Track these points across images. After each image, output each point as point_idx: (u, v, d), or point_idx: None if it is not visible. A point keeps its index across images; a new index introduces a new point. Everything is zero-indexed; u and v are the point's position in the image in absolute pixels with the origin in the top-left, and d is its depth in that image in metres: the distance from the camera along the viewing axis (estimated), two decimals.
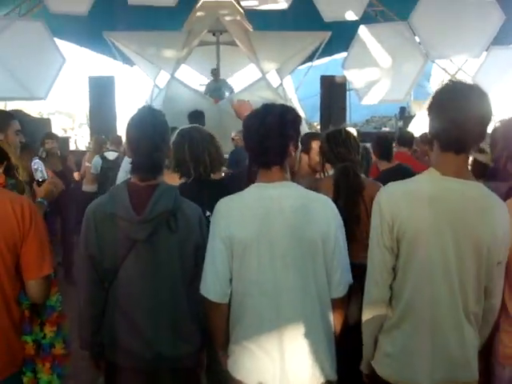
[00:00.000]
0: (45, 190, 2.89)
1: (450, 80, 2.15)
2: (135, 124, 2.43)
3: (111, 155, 8.19)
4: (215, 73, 13.36)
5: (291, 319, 2.14)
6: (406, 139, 6.35)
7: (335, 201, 2.33)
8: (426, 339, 2.03)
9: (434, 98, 2.05)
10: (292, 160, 2.26)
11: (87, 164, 8.61)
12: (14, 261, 2.18)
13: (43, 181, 2.90)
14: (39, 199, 2.86)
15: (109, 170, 7.73)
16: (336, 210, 2.22)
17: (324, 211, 2.18)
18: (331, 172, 3.59)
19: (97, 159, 8.29)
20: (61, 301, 2.49)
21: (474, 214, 1.96)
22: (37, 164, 2.91)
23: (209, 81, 14.26)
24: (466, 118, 1.92)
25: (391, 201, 2.06)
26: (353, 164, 3.40)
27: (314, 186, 3.42)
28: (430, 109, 2.05)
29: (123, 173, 6.53)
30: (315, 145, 4.02)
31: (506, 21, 12.19)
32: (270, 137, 2.14)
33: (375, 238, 2.09)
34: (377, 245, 2.08)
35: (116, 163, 7.56)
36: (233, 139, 8.27)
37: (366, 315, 2.16)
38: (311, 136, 4.19)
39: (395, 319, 2.09)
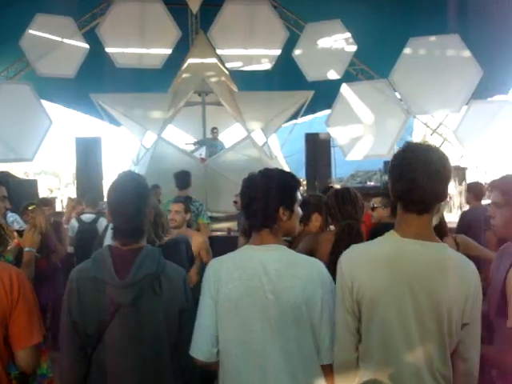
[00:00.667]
0: (28, 239, 2.89)
1: (406, 142, 2.10)
2: (115, 189, 2.42)
3: (87, 218, 8.03)
4: (215, 132, 13.56)
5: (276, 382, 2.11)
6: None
7: (332, 254, 2.32)
8: None
9: (393, 160, 2.05)
10: (287, 224, 2.25)
11: (65, 226, 8.49)
12: (2, 331, 2.16)
13: (22, 230, 2.91)
14: (27, 249, 2.85)
15: (84, 232, 7.55)
16: (326, 274, 2.20)
17: (311, 275, 2.16)
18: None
19: (73, 222, 8.16)
20: (51, 367, 2.45)
21: (433, 275, 1.93)
22: (12, 216, 2.94)
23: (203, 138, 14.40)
24: (427, 179, 1.92)
25: (351, 263, 2.05)
26: (357, 223, 3.43)
27: (315, 240, 3.47)
28: (391, 172, 2.04)
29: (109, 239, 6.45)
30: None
31: (484, 76, 12.50)
32: (257, 200, 2.18)
33: (338, 301, 2.08)
34: (339, 307, 2.07)
35: (92, 226, 7.44)
36: (235, 202, 8.17)
37: (337, 378, 2.13)
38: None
39: (365, 380, 2.05)
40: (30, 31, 13.05)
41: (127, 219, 2.34)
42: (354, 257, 2.08)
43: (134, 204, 2.34)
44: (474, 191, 7.02)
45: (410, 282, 1.93)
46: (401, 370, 1.96)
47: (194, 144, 14.68)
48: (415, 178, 1.93)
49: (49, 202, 7.46)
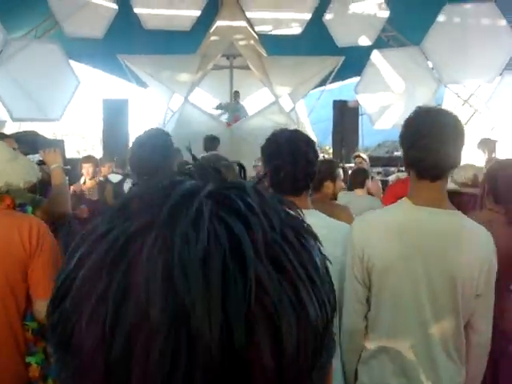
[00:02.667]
0: (51, 156, 2.96)
1: (418, 107, 2.08)
2: (136, 144, 2.41)
3: (115, 178, 8.07)
4: (237, 95, 13.49)
5: None
6: None
7: None
8: (400, 372, 1.97)
9: (404, 127, 2.02)
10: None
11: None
12: (22, 282, 2.18)
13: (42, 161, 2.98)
14: (53, 166, 2.92)
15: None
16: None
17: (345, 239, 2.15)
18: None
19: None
20: None
21: (446, 244, 1.90)
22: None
23: (226, 101, 14.33)
24: (439, 144, 1.89)
25: (362, 231, 2.03)
26: None
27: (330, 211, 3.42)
28: (403, 139, 2.02)
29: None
30: (340, 173, 4.18)
31: None
32: (301, 163, 2.11)
33: (348, 269, 2.05)
34: (348, 276, 2.04)
35: (119, 186, 7.50)
36: (254, 167, 8.01)
37: (344, 345, 2.11)
38: (337, 164, 4.45)
39: (372, 349, 2.04)
40: None
41: (152, 172, 2.31)
42: (365, 225, 2.07)
43: (152, 160, 2.32)
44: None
45: (422, 251, 1.90)
46: (411, 339, 1.94)
47: (217, 108, 14.59)
48: (427, 143, 1.89)
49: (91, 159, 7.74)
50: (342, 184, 4.03)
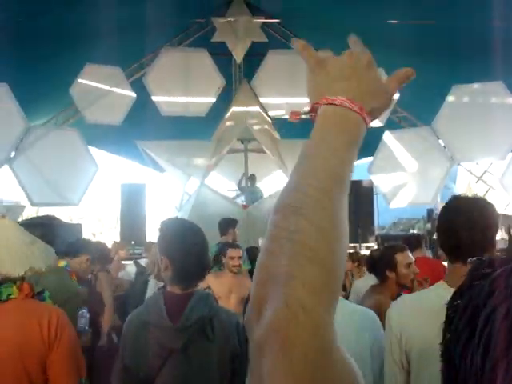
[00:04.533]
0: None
1: (453, 196, 2.20)
2: (175, 235, 2.46)
3: (143, 262, 8.27)
4: (253, 178, 13.70)
5: None
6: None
7: None
8: None
9: (440, 215, 2.14)
10: None
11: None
12: (41, 374, 2.18)
13: (80, 332, 2.97)
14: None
15: (142, 274, 7.73)
16: (380, 326, 2.24)
17: (371, 327, 2.22)
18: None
19: (131, 267, 8.36)
20: None
21: None
22: (84, 313, 3.02)
23: (242, 185, 14.55)
24: (467, 230, 1.96)
25: (400, 313, 2.07)
26: None
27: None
28: (438, 226, 2.13)
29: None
30: (401, 257, 3.71)
31: None
32: None
33: (386, 353, 2.08)
34: (387, 359, 2.06)
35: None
36: None
37: None
38: (394, 248, 3.83)
39: None
40: (80, 80, 13.49)
41: (197, 261, 2.39)
42: (403, 308, 2.11)
43: (203, 246, 2.39)
44: None
45: None
46: None
47: (238, 187, 14.79)
48: (457, 229, 1.97)
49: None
50: (406, 271, 3.62)
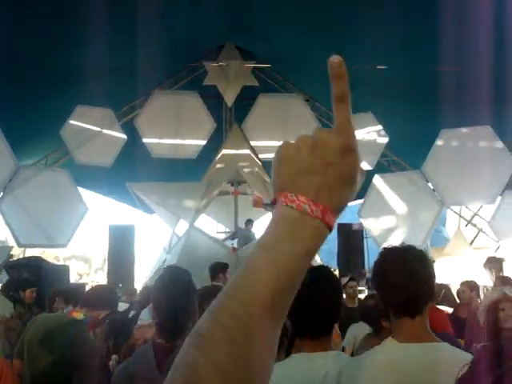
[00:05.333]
0: None
1: (383, 248, 2.14)
2: (159, 285, 2.43)
3: (121, 306, 8.04)
4: (250, 222, 13.71)
5: None
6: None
7: None
8: None
9: (374, 268, 2.08)
10: (335, 327, 2.26)
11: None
12: None
13: None
14: None
15: (116, 321, 7.53)
16: None
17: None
18: None
19: None
20: None
21: (430, 379, 1.87)
22: None
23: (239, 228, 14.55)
24: (408, 280, 1.91)
25: (353, 376, 1.99)
26: None
27: None
28: (375, 280, 2.07)
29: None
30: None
31: None
32: (323, 305, 2.14)
33: None
34: None
35: (124, 315, 7.43)
36: None
37: None
38: None
39: None
40: (71, 121, 13.54)
41: (169, 316, 2.33)
42: (354, 368, 2.03)
43: (176, 301, 2.33)
44: None
45: None
46: None
47: (231, 236, 14.72)
48: (398, 280, 1.92)
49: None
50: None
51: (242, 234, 13.82)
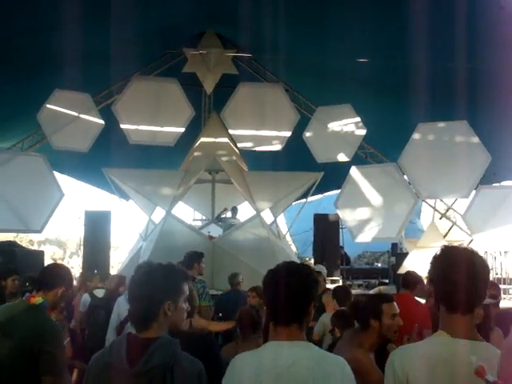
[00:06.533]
0: None
1: (445, 246, 2.21)
2: (133, 276, 2.45)
3: (100, 293, 8.05)
4: (235, 211, 13.71)
5: None
6: (409, 282, 6.07)
7: None
8: None
9: (434, 264, 2.15)
10: (309, 318, 2.29)
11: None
12: None
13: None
14: None
15: (96, 307, 7.54)
16: (352, 375, 2.21)
17: (340, 374, 2.16)
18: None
19: (85, 297, 8.17)
20: None
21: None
22: None
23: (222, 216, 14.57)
24: (470, 281, 2.02)
25: (404, 362, 2.08)
26: None
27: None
28: (433, 274, 2.15)
29: (115, 314, 6.40)
30: (388, 308, 3.61)
31: (492, 161, 12.60)
32: (296, 294, 2.22)
33: None
34: None
35: (104, 301, 7.45)
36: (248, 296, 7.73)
37: None
38: (382, 298, 3.75)
39: None
40: (48, 106, 13.36)
41: (136, 306, 2.36)
42: (406, 356, 2.12)
43: (143, 291, 2.35)
44: None
45: (465, 382, 1.96)
46: None
47: (213, 220, 14.75)
48: (460, 279, 2.02)
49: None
50: (391, 322, 3.54)
51: (226, 223, 13.86)
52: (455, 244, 2.27)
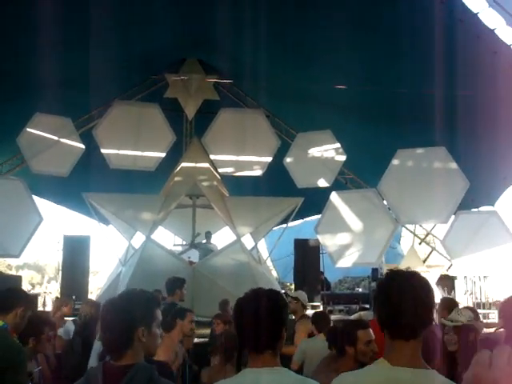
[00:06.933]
0: None
1: (388, 270, 2.21)
2: (104, 305, 2.44)
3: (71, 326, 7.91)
4: (209, 236, 13.66)
5: None
6: None
7: None
8: None
9: (378, 288, 2.14)
10: (281, 343, 2.27)
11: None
12: None
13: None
14: None
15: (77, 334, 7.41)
16: None
17: None
18: None
19: (68, 325, 8.03)
20: None
21: None
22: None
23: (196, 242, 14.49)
24: (412, 304, 1.96)
25: None
26: None
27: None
28: (377, 299, 2.10)
29: (94, 357, 6.21)
30: (363, 334, 3.70)
31: (470, 187, 12.72)
32: (266, 321, 2.19)
33: None
34: None
35: (78, 327, 7.31)
36: (212, 323, 7.71)
37: None
38: (357, 325, 3.86)
39: None
40: (28, 129, 13.28)
41: (110, 332, 2.34)
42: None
43: (118, 318, 2.33)
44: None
45: None
46: None
47: (190, 246, 14.68)
48: (400, 303, 1.97)
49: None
50: (365, 349, 3.64)
51: (202, 248, 13.80)
52: (403, 269, 2.21)
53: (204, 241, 14.46)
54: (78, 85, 12.18)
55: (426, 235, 15.43)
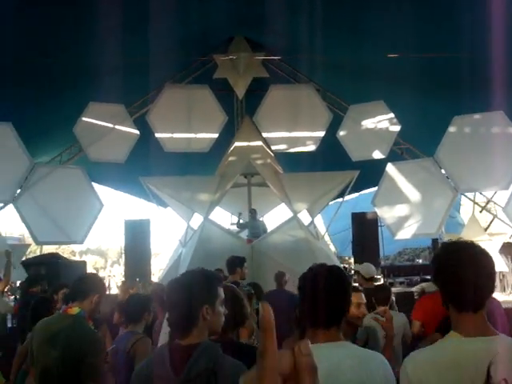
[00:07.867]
0: None
1: (445, 243, 2.17)
2: (168, 284, 2.48)
3: None
4: (253, 213, 13.74)
5: None
6: None
7: None
8: None
9: (438, 262, 2.10)
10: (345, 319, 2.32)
11: None
12: None
13: None
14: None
15: None
16: (390, 368, 2.23)
17: (383, 369, 2.19)
18: None
19: None
20: None
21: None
22: None
23: (245, 221, 14.58)
24: (477, 277, 1.96)
25: (417, 369, 2.03)
26: None
27: None
28: (438, 274, 2.09)
29: (164, 335, 6.39)
30: (354, 297, 3.75)
31: None
32: (334, 298, 2.24)
33: None
34: None
35: None
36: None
37: None
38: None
39: None
40: (84, 119, 13.62)
41: (175, 312, 2.39)
42: (419, 362, 2.06)
43: (183, 297, 2.37)
44: None
45: (476, 381, 1.90)
46: None
47: (237, 226, 14.81)
48: (467, 277, 1.96)
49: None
50: (356, 311, 3.79)
51: (250, 225, 13.88)
52: (455, 239, 2.21)
53: (247, 220, 14.50)
54: (128, 71, 12.37)
55: (487, 203, 15.02)
